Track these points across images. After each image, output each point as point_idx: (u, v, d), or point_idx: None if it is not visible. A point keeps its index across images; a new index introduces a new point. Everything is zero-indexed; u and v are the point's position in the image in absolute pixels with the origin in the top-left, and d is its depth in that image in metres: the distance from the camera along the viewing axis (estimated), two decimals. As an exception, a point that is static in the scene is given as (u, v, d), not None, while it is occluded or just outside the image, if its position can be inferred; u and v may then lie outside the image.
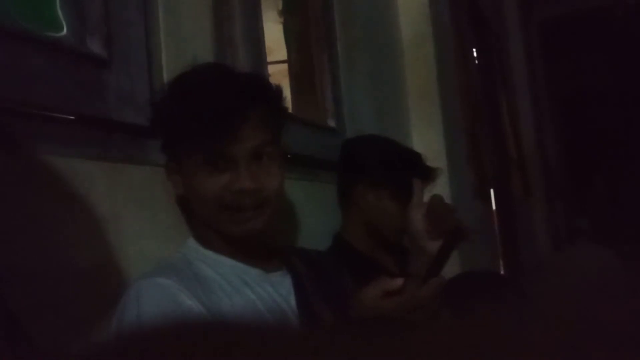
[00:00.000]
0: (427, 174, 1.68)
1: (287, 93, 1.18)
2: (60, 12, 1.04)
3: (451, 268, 1.28)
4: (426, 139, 2.46)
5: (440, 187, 2.20)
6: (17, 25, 0.96)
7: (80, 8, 1.06)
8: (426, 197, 1.76)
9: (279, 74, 1.98)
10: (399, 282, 0.97)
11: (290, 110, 1.48)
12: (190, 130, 1.03)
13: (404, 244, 1.91)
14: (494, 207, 3.45)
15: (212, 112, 1.02)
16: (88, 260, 1.02)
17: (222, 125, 1.02)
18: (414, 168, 1.66)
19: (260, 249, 1.12)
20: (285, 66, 1.95)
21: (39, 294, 0.92)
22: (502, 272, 3.42)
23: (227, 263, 1.08)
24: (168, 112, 1.06)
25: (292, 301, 1.11)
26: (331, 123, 1.88)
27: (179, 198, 1.15)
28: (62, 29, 1.04)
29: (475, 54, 3.51)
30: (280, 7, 2.00)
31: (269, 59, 1.81)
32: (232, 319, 0.96)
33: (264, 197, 1.06)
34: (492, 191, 3.40)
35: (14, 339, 0.69)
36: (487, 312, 0.30)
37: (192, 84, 1.06)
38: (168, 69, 1.24)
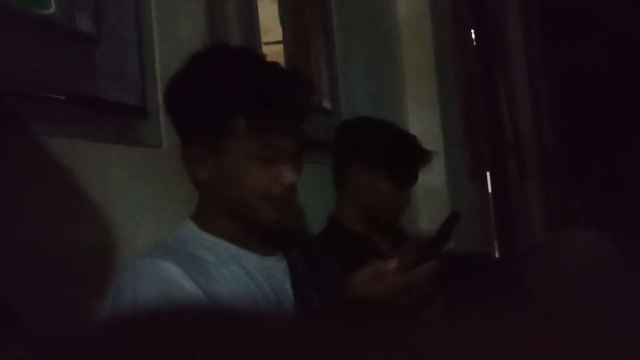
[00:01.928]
0: (422, 157, 1.68)
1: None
2: (48, -11, 1.02)
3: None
4: (422, 121, 2.45)
5: (436, 170, 2.20)
6: (4, 2, 0.94)
7: (69, -16, 1.04)
8: (422, 178, 1.78)
9: (275, 55, 1.96)
10: (391, 264, 0.96)
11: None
12: (255, 121, 1.00)
13: (398, 225, 1.92)
14: (489, 189, 3.46)
15: (282, 107, 1.01)
16: (79, 241, 1.01)
17: (288, 120, 1.03)
18: (409, 150, 1.66)
19: (257, 233, 1.11)
20: (281, 47, 1.93)
21: (30, 276, 0.91)
22: (496, 254, 3.44)
23: (225, 246, 1.07)
24: (222, 99, 1.01)
25: (287, 286, 1.11)
26: (326, 104, 1.87)
27: (199, 182, 1.08)
28: (50, 6, 1.02)
29: (473, 35, 3.49)
30: (276, -14, 1.97)
31: (266, 39, 1.79)
32: (228, 303, 0.96)
33: (296, 190, 1.08)
34: (487, 174, 3.40)
35: (6, 324, 0.69)
36: (483, 304, 0.29)
37: (252, 76, 1.02)
38: (159, 47, 1.22)
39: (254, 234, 1.09)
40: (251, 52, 1.09)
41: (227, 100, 1.01)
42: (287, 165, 1.04)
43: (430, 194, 2.36)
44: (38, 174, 0.96)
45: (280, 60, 1.86)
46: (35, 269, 0.92)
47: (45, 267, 0.94)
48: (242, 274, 1.04)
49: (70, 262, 0.99)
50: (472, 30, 3.48)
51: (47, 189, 0.98)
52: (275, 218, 1.06)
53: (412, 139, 1.69)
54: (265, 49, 1.75)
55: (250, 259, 1.07)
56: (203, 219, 1.09)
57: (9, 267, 0.87)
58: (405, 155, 1.64)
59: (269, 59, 1.24)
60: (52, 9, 1.01)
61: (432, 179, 2.26)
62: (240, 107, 1.00)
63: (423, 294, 0.99)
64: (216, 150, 1.02)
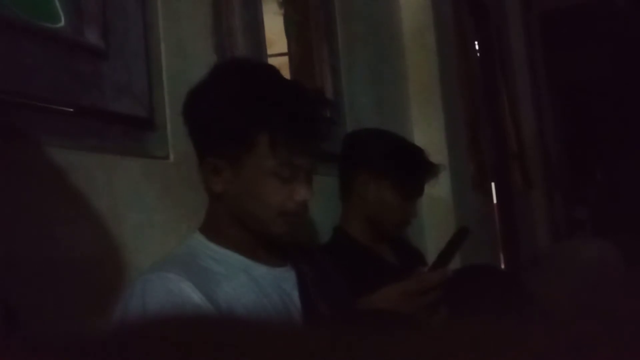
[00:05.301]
0: (430, 170, 1.68)
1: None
2: (57, 3, 1.03)
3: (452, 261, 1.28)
4: (427, 131, 2.45)
5: (441, 181, 2.20)
6: (15, 16, 0.95)
7: (78, -1, 1.06)
8: (427, 190, 1.78)
9: (279, 67, 1.97)
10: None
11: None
12: (283, 138, 1.01)
13: (404, 236, 1.92)
14: (494, 200, 3.45)
15: (307, 124, 1.03)
16: (86, 253, 1.02)
17: (313, 139, 1.05)
18: (417, 162, 1.66)
19: (267, 245, 1.11)
20: (286, 58, 1.94)
21: (37, 288, 0.91)
22: (502, 265, 3.43)
23: (234, 258, 1.07)
24: (252, 112, 1.01)
25: (296, 297, 1.11)
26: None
27: (213, 194, 1.08)
28: (59, 20, 1.03)
29: (476, 47, 3.50)
30: (281, -1, 1.99)
31: (271, 51, 1.80)
32: (237, 315, 0.96)
33: (308, 206, 1.10)
34: (492, 184, 3.40)
35: (12, 333, 0.69)
36: (489, 313, 0.30)
37: (277, 90, 1.04)
38: (167, 59, 1.23)
39: (263, 245, 1.10)
40: (273, 69, 1.10)
41: (253, 116, 1.01)
42: (302, 183, 1.05)
43: (436, 204, 2.36)
44: (46, 185, 0.97)
45: (285, 72, 1.87)
46: (41, 279, 0.92)
47: (50, 278, 0.94)
48: (252, 285, 1.04)
49: (76, 272, 0.99)
50: (476, 42, 3.49)
51: (55, 200, 0.98)
52: (287, 233, 1.07)
53: (420, 151, 1.69)
54: (271, 61, 1.76)
55: (260, 270, 1.08)
56: (212, 231, 1.09)
57: (15, 276, 0.87)
58: (413, 168, 1.65)
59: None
60: (62, 23, 1.02)
61: (437, 190, 2.26)
62: (265, 124, 1.00)
63: (431, 303, 1.00)
64: (235, 164, 1.03)
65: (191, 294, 0.94)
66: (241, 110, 1.01)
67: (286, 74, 1.86)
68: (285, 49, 1.93)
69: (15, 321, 0.71)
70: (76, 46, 1.04)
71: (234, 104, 1.02)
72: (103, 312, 0.99)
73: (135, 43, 1.15)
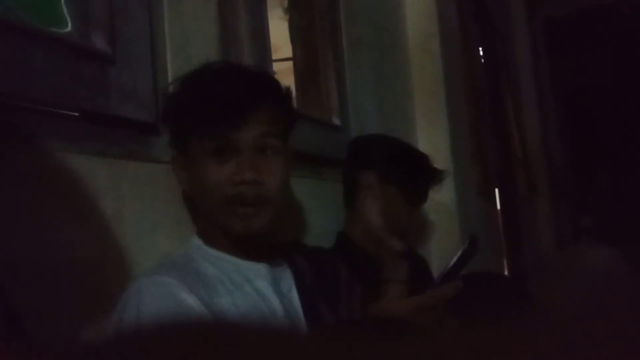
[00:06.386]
0: (434, 176, 1.68)
1: (292, 90, 1.18)
2: (64, 8, 1.04)
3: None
4: (431, 137, 2.45)
5: (445, 187, 2.20)
6: (21, 21, 0.95)
7: (85, 4, 1.06)
8: (431, 196, 1.78)
9: (284, 72, 1.98)
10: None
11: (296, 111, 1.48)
12: (197, 119, 1.05)
13: (407, 242, 1.91)
14: (498, 206, 3.45)
15: (220, 101, 1.04)
16: (90, 257, 1.02)
17: (228, 113, 1.03)
18: (421, 169, 1.66)
19: (262, 245, 1.12)
20: (290, 64, 1.94)
21: (40, 291, 0.91)
22: (506, 271, 3.42)
23: (229, 260, 1.08)
24: (179, 103, 1.08)
25: (294, 297, 1.11)
26: (336, 121, 1.88)
27: (185, 194, 1.16)
28: (66, 25, 1.03)
29: (481, 53, 3.50)
30: (286, 4, 1.99)
31: (276, 56, 1.81)
32: (233, 318, 0.96)
33: (265, 193, 1.05)
34: (496, 190, 3.39)
35: (13, 335, 0.69)
36: (493, 320, 0.30)
37: (203, 77, 1.08)
38: (172, 65, 1.24)
39: (249, 245, 1.09)
40: (218, 64, 1.14)
41: (183, 107, 1.08)
42: (240, 163, 1.03)
43: (440, 211, 2.36)
44: (50, 188, 0.97)
45: (290, 77, 1.87)
46: (42, 280, 0.93)
47: (52, 279, 0.94)
48: (248, 288, 1.05)
49: (78, 274, 0.99)
50: (480, 48, 3.49)
51: (58, 203, 0.99)
52: (242, 226, 1.05)
53: (424, 157, 1.69)
54: (276, 66, 1.76)
55: (255, 271, 1.08)
56: (206, 234, 1.10)
57: (16, 277, 0.88)
58: (417, 174, 1.65)
59: (279, 75, 1.26)
60: (69, 28, 1.03)
61: (441, 196, 2.26)
62: (189, 111, 1.06)
63: (440, 313, 1.00)
64: (187, 156, 1.08)
65: (186, 298, 0.95)
66: (176, 104, 1.09)
67: (291, 78, 1.86)
68: (290, 54, 1.93)
69: (15, 321, 0.72)
70: (82, 51, 1.04)
71: (173, 99, 1.10)
72: (105, 314, 0.99)
73: (141, 48, 1.15)
